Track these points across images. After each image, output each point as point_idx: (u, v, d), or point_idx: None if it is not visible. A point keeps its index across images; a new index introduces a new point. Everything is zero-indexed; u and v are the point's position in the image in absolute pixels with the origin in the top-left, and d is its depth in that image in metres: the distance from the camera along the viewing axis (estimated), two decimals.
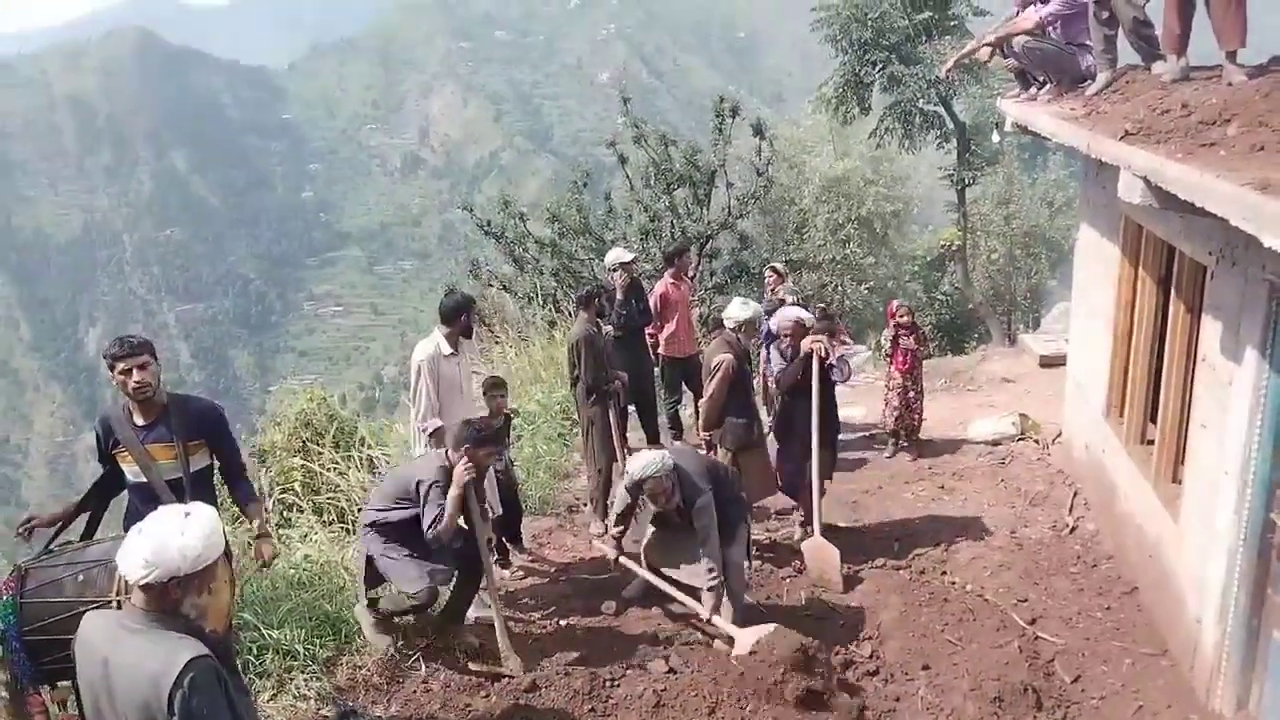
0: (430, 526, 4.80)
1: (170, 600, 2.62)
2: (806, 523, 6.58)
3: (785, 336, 6.55)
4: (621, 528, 5.73)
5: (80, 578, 3.54)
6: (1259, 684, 4.36)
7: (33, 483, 72.05)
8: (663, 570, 5.65)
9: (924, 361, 8.51)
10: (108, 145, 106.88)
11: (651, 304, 8.38)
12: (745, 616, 5.42)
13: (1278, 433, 4.14)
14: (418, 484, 4.87)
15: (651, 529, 5.75)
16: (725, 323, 6.49)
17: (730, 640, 5.13)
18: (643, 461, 5.24)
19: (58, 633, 3.39)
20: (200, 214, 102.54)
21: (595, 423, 7.03)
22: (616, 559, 5.77)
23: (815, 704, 4.63)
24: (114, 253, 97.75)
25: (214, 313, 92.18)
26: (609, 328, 7.64)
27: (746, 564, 5.73)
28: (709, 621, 5.26)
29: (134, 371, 4.16)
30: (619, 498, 5.66)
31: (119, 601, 3.33)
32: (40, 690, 3.58)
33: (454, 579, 5.22)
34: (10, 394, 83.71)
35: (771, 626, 4.99)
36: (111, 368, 4.21)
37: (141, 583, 2.58)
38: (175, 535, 2.59)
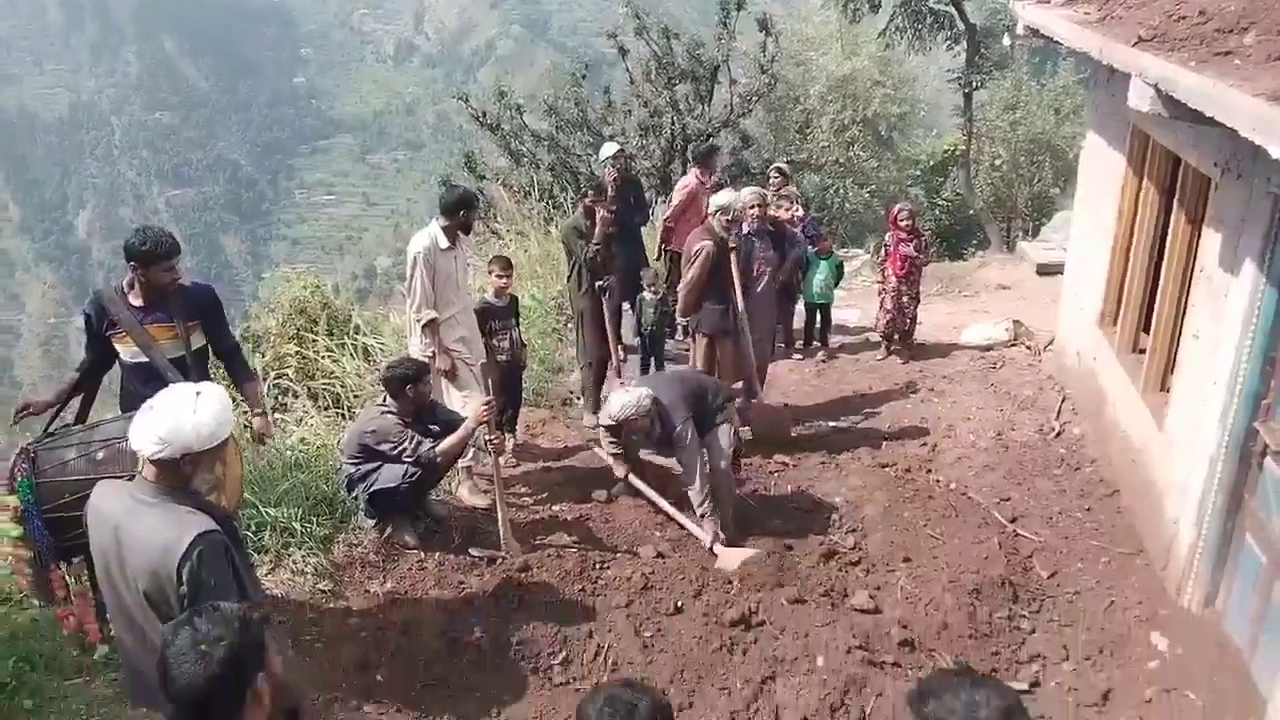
0: (415, 451, 5.01)
1: (182, 476, 2.68)
2: (748, 392, 6.92)
3: (751, 211, 6.67)
4: (617, 450, 5.84)
5: (100, 455, 3.59)
6: (1228, 584, 4.52)
7: (26, 363, 72.03)
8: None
9: (923, 268, 8.45)
10: (93, 22, 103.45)
11: (677, 200, 8.38)
12: (734, 511, 5.65)
13: (1268, 344, 4.19)
14: (370, 435, 5.11)
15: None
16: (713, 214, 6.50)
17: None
18: (620, 402, 5.36)
19: (76, 510, 3.46)
20: (189, 98, 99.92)
21: (587, 315, 7.04)
22: (626, 475, 5.88)
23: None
24: (102, 135, 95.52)
25: (205, 198, 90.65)
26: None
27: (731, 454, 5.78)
28: (710, 551, 5.35)
29: (176, 269, 4.20)
30: (605, 440, 5.83)
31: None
32: (59, 565, 3.67)
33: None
34: (1, 275, 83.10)
35: (752, 552, 5.24)
36: (148, 262, 4.15)
37: (155, 458, 2.63)
38: (189, 413, 2.64)
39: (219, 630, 1.96)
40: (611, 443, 5.80)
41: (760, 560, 5.12)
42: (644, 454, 6.14)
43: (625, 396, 5.38)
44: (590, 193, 7.06)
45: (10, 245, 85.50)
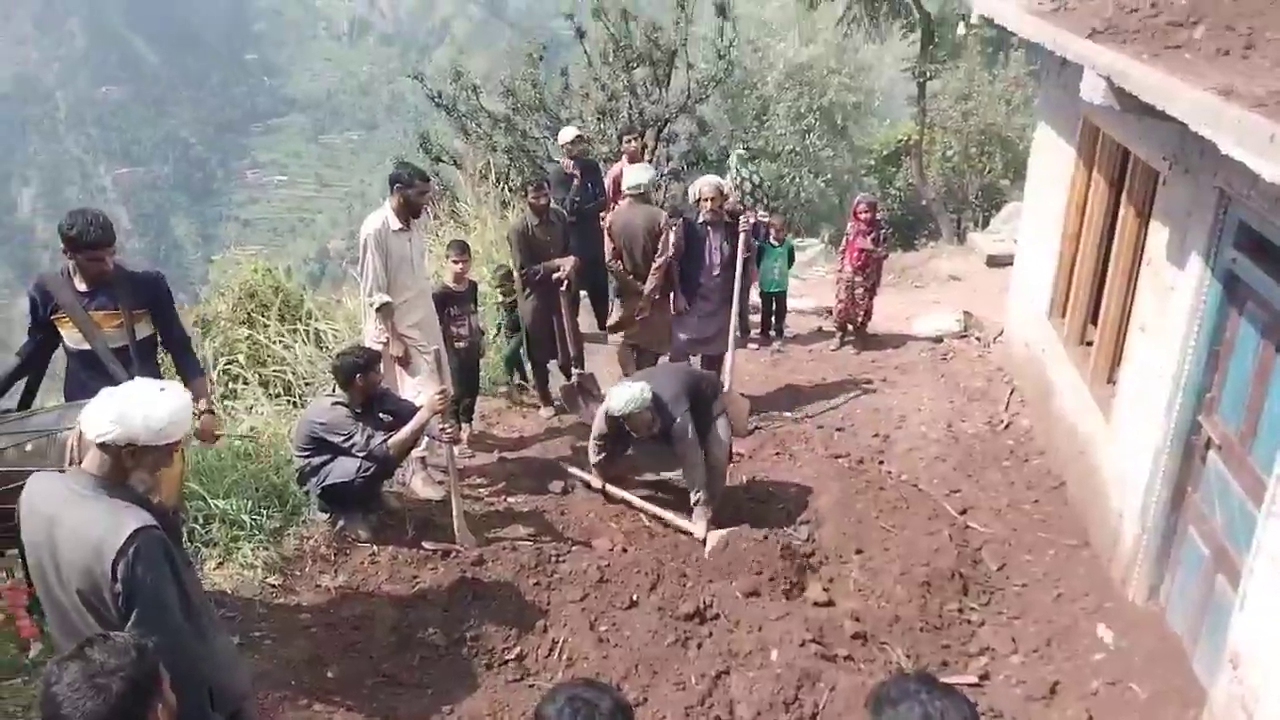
0: (366, 445, 4.93)
1: (121, 469, 2.61)
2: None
3: (705, 202, 6.65)
4: (603, 455, 5.81)
5: (29, 447, 3.48)
6: (1171, 575, 4.62)
7: None
8: (648, 474, 5.87)
9: (881, 261, 8.45)
10: None
11: (607, 185, 8.27)
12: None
13: (1213, 338, 4.27)
14: (319, 426, 5.04)
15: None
16: (633, 189, 6.81)
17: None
18: (624, 397, 5.29)
19: (5, 502, 3.35)
20: (139, 73, 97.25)
21: (529, 317, 6.96)
22: (604, 488, 5.87)
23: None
24: (47, 110, 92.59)
25: (154, 178, 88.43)
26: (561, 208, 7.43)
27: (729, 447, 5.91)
28: (703, 542, 5.36)
29: (106, 259, 4.04)
30: (597, 425, 5.71)
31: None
32: None
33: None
34: None
35: (736, 530, 5.27)
36: (75, 249, 4.02)
37: (99, 441, 2.56)
38: (145, 403, 2.59)
39: (114, 660, 1.89)
40: (599, 447, 5.76)
41: (745, 535, 5.19)
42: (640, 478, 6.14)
43: (626, 391, 5.33)
44: (531, 188, 6.89)
45: None
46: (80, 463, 2.66)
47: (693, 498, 5.48)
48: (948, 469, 6.26)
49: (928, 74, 16.49)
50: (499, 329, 7.07)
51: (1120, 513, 4.95)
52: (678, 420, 5.38)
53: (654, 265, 6.65)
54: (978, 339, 8.51)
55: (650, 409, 5.30)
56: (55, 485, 2.66)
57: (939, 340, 8.56)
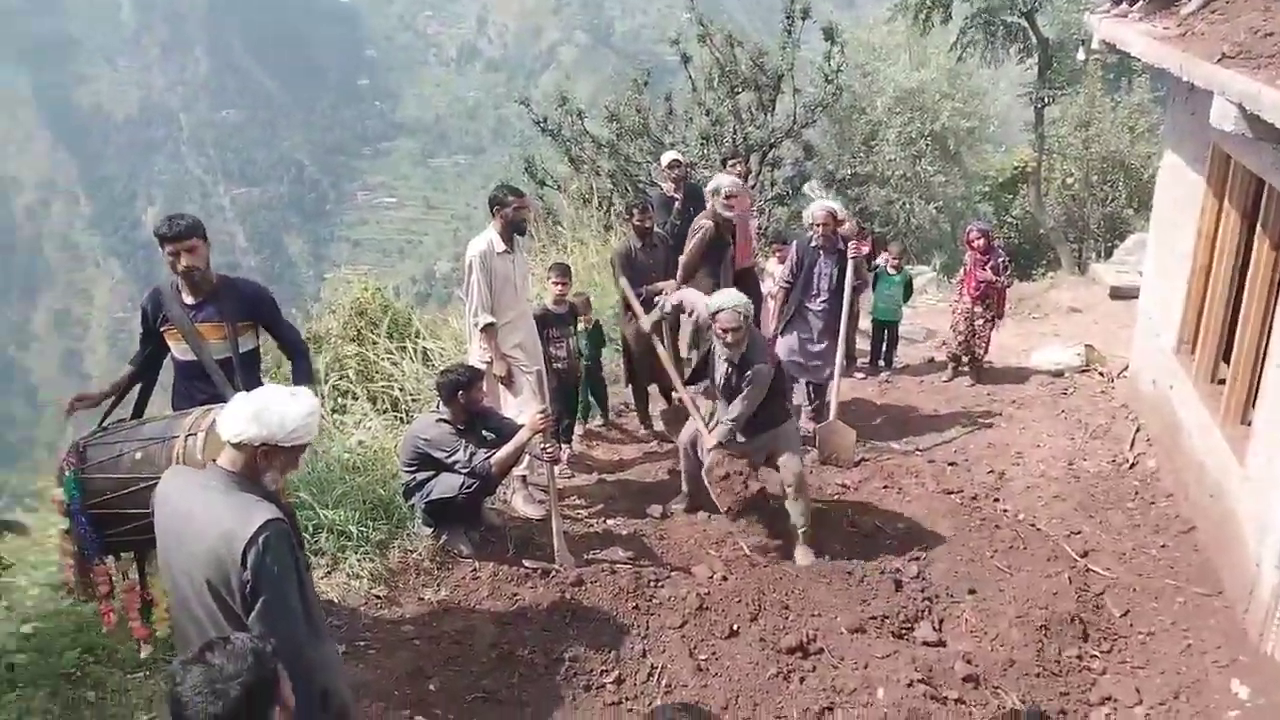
0: (469, 461, 4.97)
1: (253, 468, 2.73)
2: (816, 413, 7.13)
3: (817, 227, 6.71)
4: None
5: (139, 454, 3.59)
6: None
7: (94, 356, 74.02)
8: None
9: (1004, 290, 8.10)
10: (164, 22, 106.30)
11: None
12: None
13: None
14: (423, 442, 5.10)
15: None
16: (711, 195, 6.85)
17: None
18: (725, 295, 5.36)
19: (119, 506, 3.47)
20: (256, 97, 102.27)
21: (630, 341, 6.97)
22: (651, 329, 6.13)
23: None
24: (170, 132, 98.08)
25: (269, 198, 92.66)
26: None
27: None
28: (707, 450, 5.45)
29: (182, 255, 4.17)
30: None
31: None
32: (104, 561, 3.68)
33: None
34: (71, 268, 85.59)
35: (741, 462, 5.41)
36: (163, 243, 4.20)
37: (235, 440, 2.68)
38: (280, 403, 2.72)
39: (233, 666, 1.95)
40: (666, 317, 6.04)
41: (743, 467, 5.34)
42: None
43: (731, 292, 5.43)
44: (635, 211, 6.95)
45: (82, 239, 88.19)
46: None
47: (726, 417, 5.41)
48: (1068, 509, 5.99)
49: (1046, 100, 16.06)
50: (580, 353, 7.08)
51: (1257, 561, 4.64)
52: (764, 364, 5.33)
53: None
54: (1100, 374, 8.16)
55: (747, 319, 5.28)
56: (189, 480, 2.80)
57: (1059, 374, 8.23)
